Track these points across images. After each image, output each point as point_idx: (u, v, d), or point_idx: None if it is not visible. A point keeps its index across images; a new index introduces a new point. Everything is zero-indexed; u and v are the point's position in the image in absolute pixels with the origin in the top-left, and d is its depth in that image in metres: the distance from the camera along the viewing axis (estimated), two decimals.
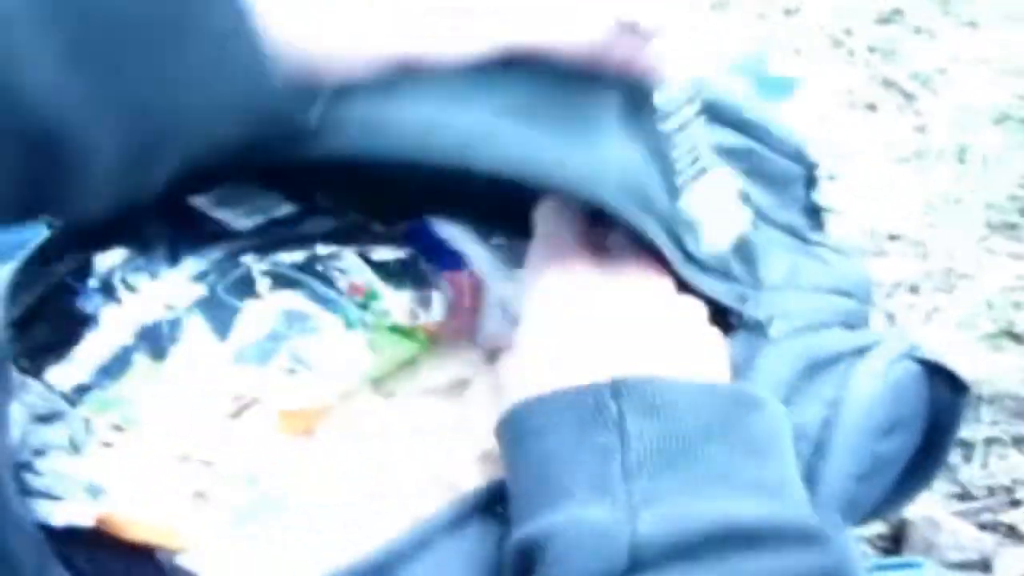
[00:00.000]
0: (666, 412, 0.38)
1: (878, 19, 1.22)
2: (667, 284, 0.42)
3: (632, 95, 0.42)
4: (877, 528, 0.75)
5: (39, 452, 0.40)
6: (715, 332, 0.42)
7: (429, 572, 0.38)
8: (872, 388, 0.45)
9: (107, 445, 0.40)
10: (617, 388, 0.38)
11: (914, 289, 0.91)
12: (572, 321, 0.41)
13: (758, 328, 0.45)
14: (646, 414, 0.38)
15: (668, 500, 0.36)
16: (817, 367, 0.45)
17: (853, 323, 0.49)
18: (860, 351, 0.47)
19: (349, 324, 0.44)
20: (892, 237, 0.97)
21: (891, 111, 1.11)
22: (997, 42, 1.17)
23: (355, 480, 0.41)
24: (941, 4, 1.23)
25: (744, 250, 0.46)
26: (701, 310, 0.42)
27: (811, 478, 0.43)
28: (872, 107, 1.12)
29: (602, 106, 0.42)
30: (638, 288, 0.42)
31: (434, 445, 0.43)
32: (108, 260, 0.43)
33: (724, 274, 0.45)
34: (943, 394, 0.48)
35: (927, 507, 0.76)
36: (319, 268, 0.45)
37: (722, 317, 0.44)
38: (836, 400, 0.44)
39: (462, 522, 0.39)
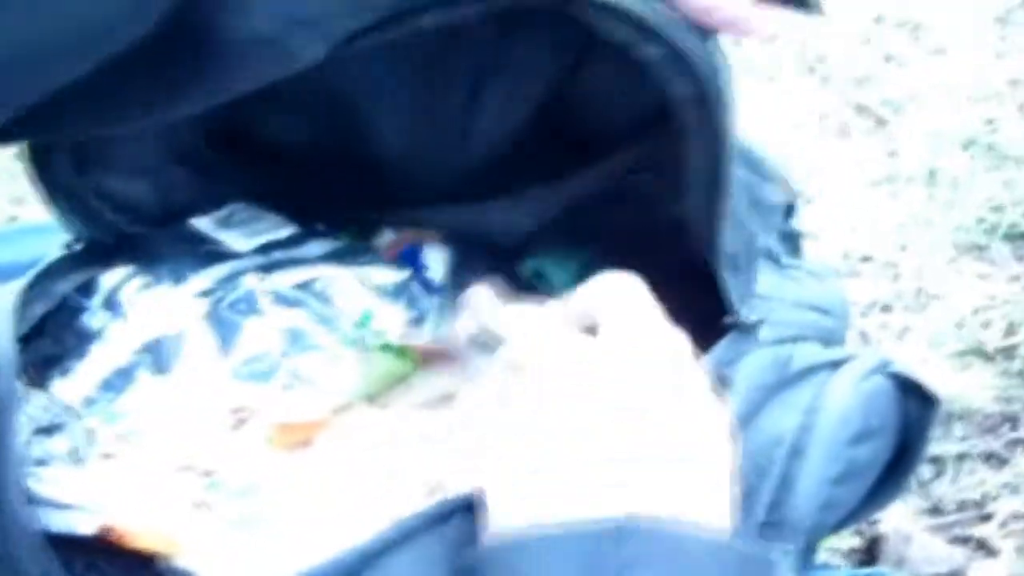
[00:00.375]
0: (677, 567, 0.35)
1: (850, 47, 1.24)
2: (663, 359, 0.38)
3: None
4: (851, 542, 0.77)
5: (41, 462, 0.41)
6: (715, 402, 0.39)
7: (410, 565, 0.37)
8: (847, 397, 0.47)
9: (109, 456, 0.41)
10: (623, 534, 0.34)
11: (886, 308, 0.93)
12: (562, 420, 0.37)
13: (750, 330, 0.46)
14: (653, 568, 0.34)
15: None
16: (795, 377, 0.47)
17: (830, 340, 0.51)
18: (835, 364, 0.49)
19: (346, 343, 0.45)
20: (865, 258, 1.00)
21: (863, 136, 1.13)
22: (965, 69, 1.20)
23: (348, 487, 0.42)
24: (911, 32, 1.26)
25: (752, 255, 0.49)
26: (702, 380, 0.39)
27: (788, 480, 0.45)
28: (845, 132, 1.14)
29: None
30: (637, 371, 0.38)
31: (424, 454, 0.44)
32: (113, 278, 0.45)
33: (735, 269, 0.46)
34: (914, 407, 0.50)
35: (899, 521, 0.77)
36: (318, 288, 0.47)
37: (714, 319, 0.46)
38: (812, 408, 0.46)
39: (444, 518, 0.38)
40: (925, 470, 0.80)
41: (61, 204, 0.46)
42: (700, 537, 0.35)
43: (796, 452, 0.45)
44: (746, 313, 0.47)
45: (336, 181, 0.52)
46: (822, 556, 0.74)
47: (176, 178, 0.48)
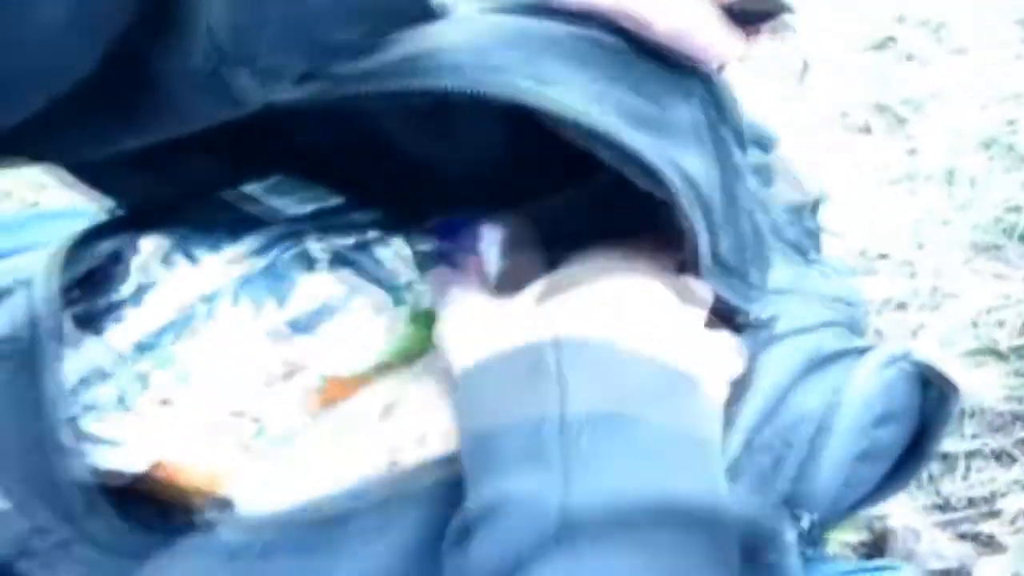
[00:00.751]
0: (610, 374, 0.37)
1: (872, 46, 1.25)
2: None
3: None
4: (860, 536, 0.78)
5: (90, 407, 0.42)
6: (697, 318, 0.42)
7: (379, 520, 0.38)
8: (871, 382, 0.49)
9: (161, 398, 0.42)
10: (558, 343, 0.36)
11: (902, 306, 0.93)
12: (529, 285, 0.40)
13: (763, 326, 0.48)
14: (589, 373, 0.36)
15: (605, 468, 0.34)
16: (820, 362, 0.49)
17: (854, 330, 0.53)
18: (860, 351, 0.51)
19: (395, 302, 0.47)
20: (881, 256, 1.00)
21: (883, 134, 1.13)
22: (986, 69, 1.20)
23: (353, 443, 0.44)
24: (933, 32, 1.26)
25: (761, 255, 0.50)
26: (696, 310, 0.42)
27: (813, 454, 0.46)
28: (865, 130, 1.15)
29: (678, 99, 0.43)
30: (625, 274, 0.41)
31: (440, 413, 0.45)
32: (163, 237, 0.46)
33: (742, 276, 0.47)
34: (932, 395, 0.52)
35: (909, 517, 0.78)
36: (369, 250, 0.48)
37: (728, 320, 0.47)
38: (838, 389, 0.48)
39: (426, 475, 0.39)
40: (935, 466, 0.80)
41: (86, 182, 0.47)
42: (640, 350, 0.37)
43: (822, 429, 0.47)
44: (757, 310, 0.48)
45: (351, 180, 0.53)
46: (832, 550, 0.75)
47: (194, 169, 0.49)
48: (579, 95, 0.40)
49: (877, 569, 0.53)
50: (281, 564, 0.38)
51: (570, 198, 0.55)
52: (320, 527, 0.38)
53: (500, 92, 0.39)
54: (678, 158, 0.42)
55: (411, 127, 0.52)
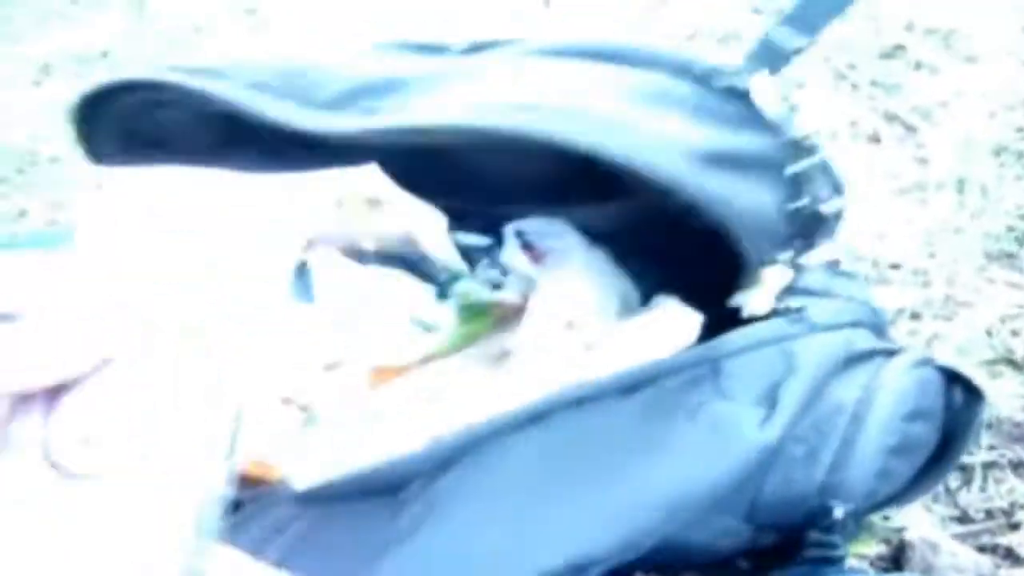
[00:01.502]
0: None
1: (881, 54, 1.24)
2: None
3: None
4: (878, 549, 0.77)
5: None
6: None
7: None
8: (903, 379, 0.51)
9: None
10: None
11: (915, 316, 0.93)
12: None
13: (795, 314, 0.49)
14: None
15: None
16: (854, 358, 0.51)
17: (878, 332, 0.54)
18: (889, 353, 0.52)
19: (442, 296, 0.48)
20: (894, 266, 1.00)
21: (893, 143, 1.13)
22: (996, 77, 1.20)
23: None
24: (943, 40, 1.26)
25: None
26: None
27: (848, 444, 0.47)
28: (875, 139, 1.14)
29: None
30: None
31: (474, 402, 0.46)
32: None
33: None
34: (959, 398, 0.53)
35: (927, 529, 0.77)
36: (417, 244, 0.49)
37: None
38: (871, 385, 0.49)
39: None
40: (953, 479, 0.80)
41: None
42: None
43: (856, 419, 0.48)
44: (792, 304, 0.50)
45: (420, 170, 0.54)
46: (850, 562, 0.74)
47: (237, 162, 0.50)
48: (646, 139, 0.43)
49: None
50: (354, 506, 0.38)
51: (618, 208, 0.56)
52: (385, 474, 0.41)
53: (575, 141, 0.43)
54: (741, 191, 0.45)
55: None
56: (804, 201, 0.49)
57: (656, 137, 0.45)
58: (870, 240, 1.01)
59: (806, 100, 1.08)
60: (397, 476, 0.41)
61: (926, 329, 0.92)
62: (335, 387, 0.46)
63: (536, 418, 0.43)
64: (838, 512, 0.49)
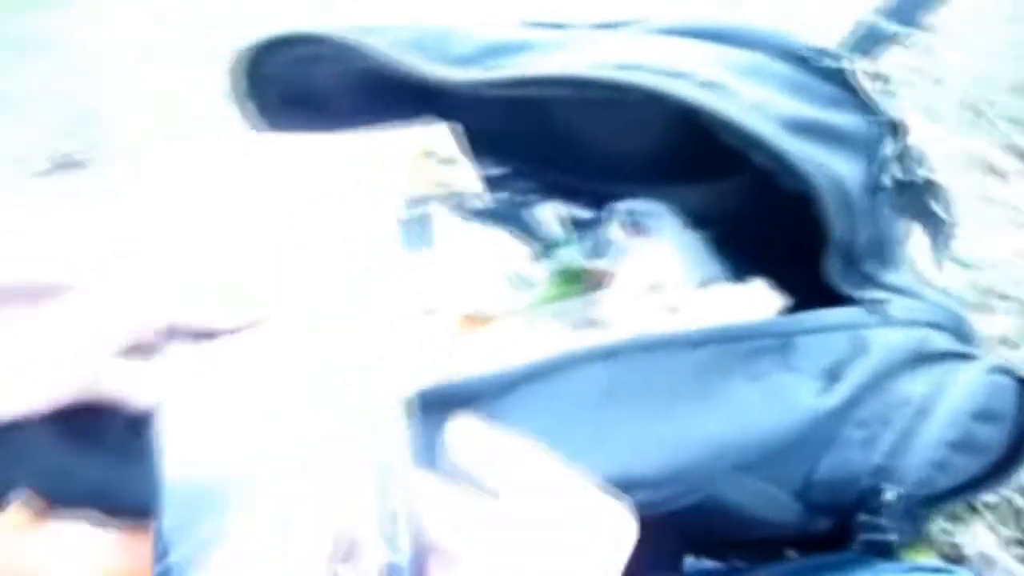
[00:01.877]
0: None
1: (1012, 88, 1.23)
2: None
3: None
4: (932, 561, 0.77)
5: None
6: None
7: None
8: (976, 379, 0.51)
9: None
10: None
11: (1015, 345, 0.93)
12: None
13: (873, 304, 0.51)
14: None
15: None
16: (928, 357, 0.51)
17: (960, 337, 0.54)
18: (966, 357, 0.52)
19: (543, 255, 0.52)
20: (1002, 297, 0.99)
21: (1017, 177, 1.12)
22: None
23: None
24: None
25: (891, 254, 0.53)
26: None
27: (908, 433, 0.48)
28: (998, 173, 1.14)
29: None
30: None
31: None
32: None
33: (858, 266, 0.52)
34: None
35: (985, 547, 0.77)
36: (529, 208, 0.53)
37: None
38: (942, 382, 0.50)
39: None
40: (1017, 500, 0.79)
41: None
42: None
43: (921, 412, 0.49)
44: (868, 296, 0.51)
45: (533, 150, 0.59)
46: None
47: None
48: (741, 102, 0.45)
49: (935, 571, 0.52)
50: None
51: (719, 187, 0.59)
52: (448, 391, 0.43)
53: (673, 92, 0.46)
54: (829, 161, 0.47)
55: (580, 112, 0.58)
56: (891, 183, 0.50)
57: (751, 99, 0.47)
58: (981, 269, 1.00)
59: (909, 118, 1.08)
60: (461, 394, 0.43)
61: (1021, 358, 0.91)
62: (430, 332, 0.49)
63: (605, 355, 0.45)
64: (889, 494, 0.48)
